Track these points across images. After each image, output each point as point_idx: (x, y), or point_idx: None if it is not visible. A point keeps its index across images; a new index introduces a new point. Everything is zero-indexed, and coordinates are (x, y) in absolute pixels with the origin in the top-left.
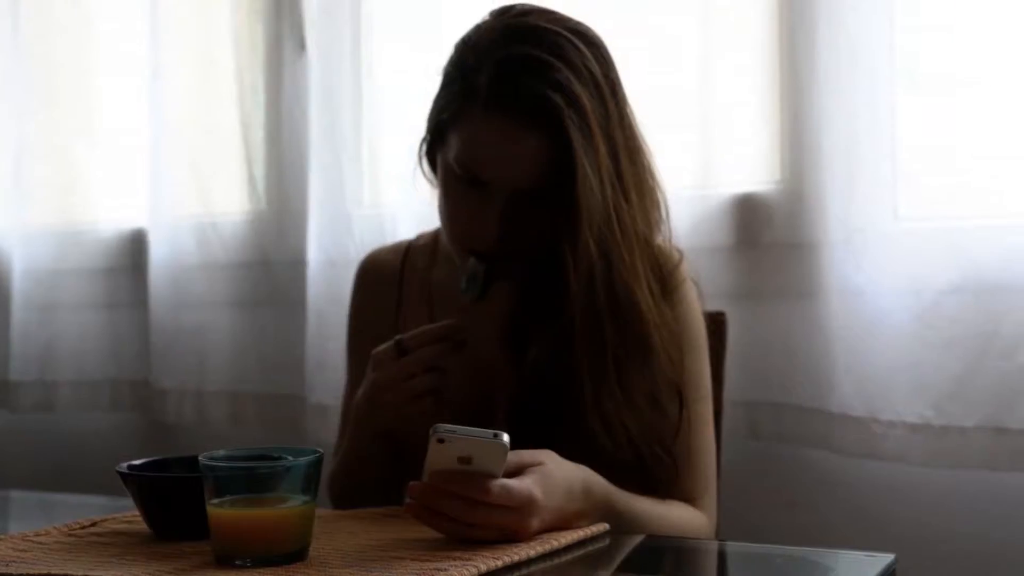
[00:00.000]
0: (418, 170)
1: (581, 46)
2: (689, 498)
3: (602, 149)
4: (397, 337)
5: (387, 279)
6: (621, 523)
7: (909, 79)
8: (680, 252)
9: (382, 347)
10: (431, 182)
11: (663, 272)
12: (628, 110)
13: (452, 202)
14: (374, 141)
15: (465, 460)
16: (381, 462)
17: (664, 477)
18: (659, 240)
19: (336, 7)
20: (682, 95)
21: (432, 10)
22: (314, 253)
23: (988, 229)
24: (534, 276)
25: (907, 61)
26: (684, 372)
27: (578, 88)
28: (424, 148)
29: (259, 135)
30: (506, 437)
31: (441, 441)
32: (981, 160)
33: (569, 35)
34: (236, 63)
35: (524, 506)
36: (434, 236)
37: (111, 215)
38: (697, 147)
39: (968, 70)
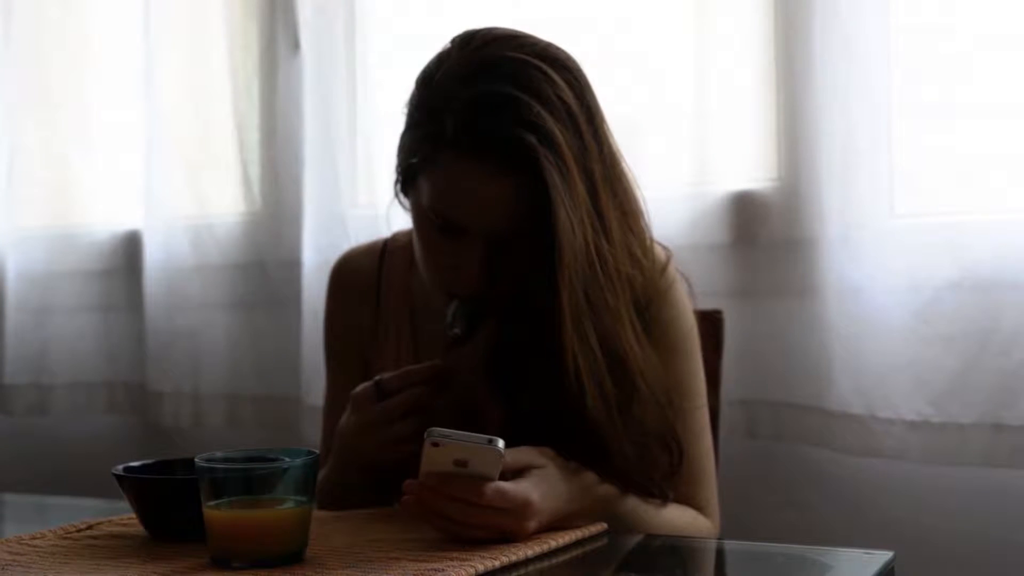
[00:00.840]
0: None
1: (552, 74)
2: (693, 507)
3: (580, 187)
4: (377, 377)
5: (364, 282)
6: (622, 523)
7: (905, 76)
8: (667, 250)
9: (361, 388)
10: (409, 213)
11: (647, 296)
12: (607, 135)
13: (430, 249)
14: (369, 141)
15: (461, 464)
16: (363, 490)
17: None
18: (647, 240)
19: (330, 6)
20: (678, 93)
21: (426, 9)
22: (309, 254)
23: (986, 225)
24: (517, 312)
25: (903, 58)
26: (675, 382)
27: (551, 124)
28: (398, 187)
29: (253, 136)
30: (501, 443)
31: (436, 445)
32: (978, 156)
33: (539, 63)
34: (230, 63)
35: (520, 509)
36: (411, 236)
37: (105, 217)
38: (693, 144)
39: (964, 67)
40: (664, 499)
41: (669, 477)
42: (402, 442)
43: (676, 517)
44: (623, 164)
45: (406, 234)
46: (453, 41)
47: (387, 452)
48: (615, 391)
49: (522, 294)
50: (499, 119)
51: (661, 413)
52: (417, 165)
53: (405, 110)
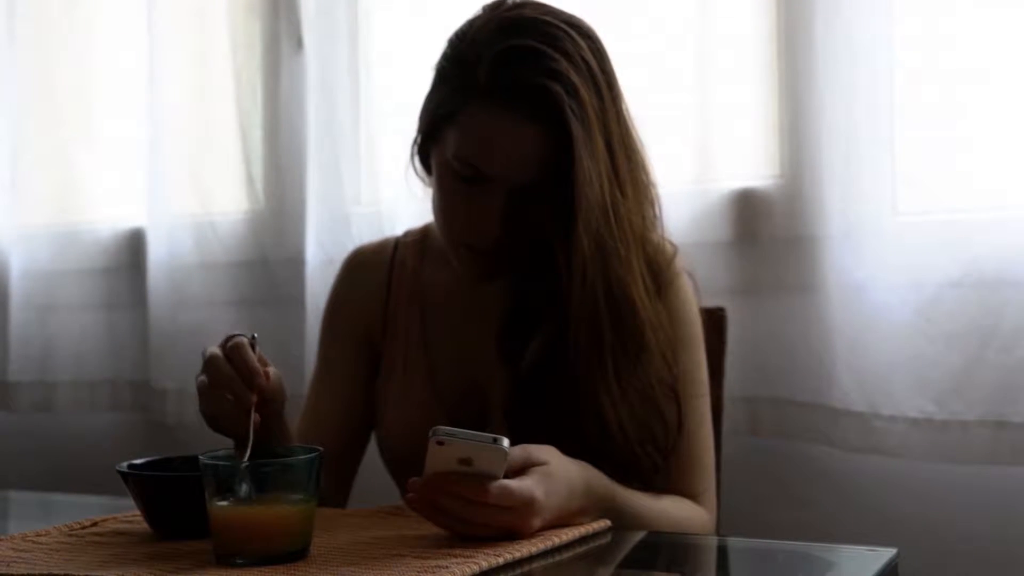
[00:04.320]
0: (410, 168)
1: (576, 37)
2: (690, 495)
3: (599, 141)
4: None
5: (375, 276)
6: (623, 520)
7: (907, 73)
8: (674, 246)
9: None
10: (423, 180)
11: (658, 268)
12: (624, 106)
13: (449, 199)
14: (372, 139)
15: (465, 462)
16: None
17: (660, 476)
18: (654, 235)
19: (333, 5)
20: (681, 91)
21: (429, 7)
22: (312, 251)
23: (988, 223)
24: (529, 275)
25: (905, 55)
26: (680, 371)
27: (576, 78)
28: (416, 147)
29: (257, 134)
30: (506, 442)
31: (440, 444)
32: (980, 154)
33: (565, 26)
34: (233, 62)
35: (524, 507)
36: (422, 233)
37: (109, 215)
38: (696, 142)
39: (967, 64)
40: (655, 470)
41: (664, 449)
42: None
43: (675, 510)
44: (637, 134)
45: (417, 231)
46: (484, 8)
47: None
48: (623, 347)
49: (536, 246)
50: (528, 69)
51: (667, 370)
52: (444, 116)
53: (433, 71)
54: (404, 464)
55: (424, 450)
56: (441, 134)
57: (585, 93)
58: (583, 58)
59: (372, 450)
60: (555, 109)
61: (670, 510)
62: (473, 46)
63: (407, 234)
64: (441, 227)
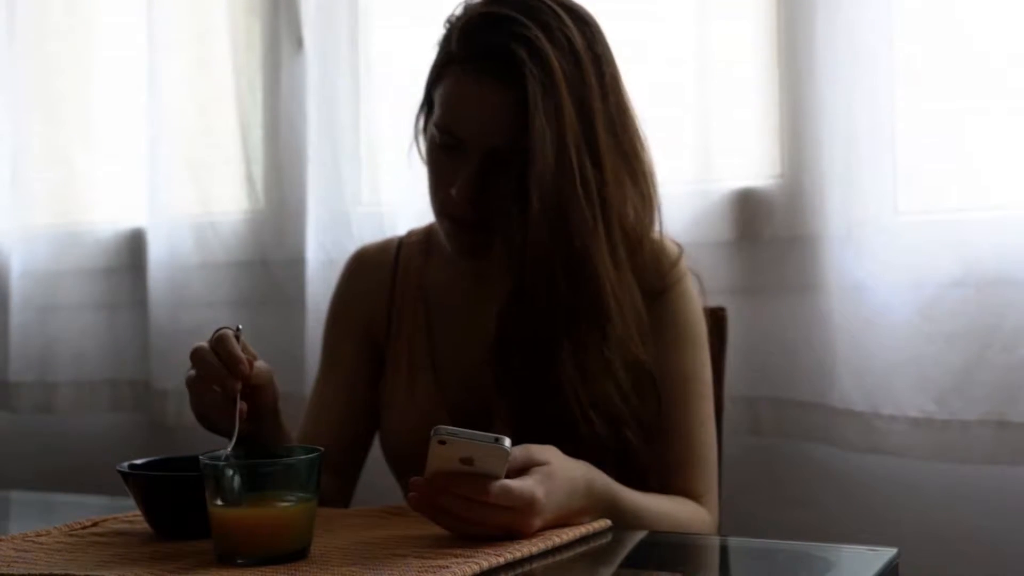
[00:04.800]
0: (411, 166)
1: (564, 16)
2: (692, 495)
3: (570, 112)
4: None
5: (380, 276)
6: (624, 520)
7: (908, 72)
8: (679, 246)
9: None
10: (424, 159)
11: (662, 268)
12: (619, 90)
13: (434, 170)
14: (372, 139)
15: (467, 461)
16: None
17: (661, 475)
18: (655, 234)
19: (333, 4)
20: (681, 90)
21: (430, 6)
22: (313, 252)
23: (989, 222)
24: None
25: (906, 54)
26: (682, 370)
27: (547, 47)
28: (420, 123)
29: (257, 134)
30: (508, 442)
31: (442, 443)
32: (981, 154)
33: (554, 5)
34: (233, 62)
35: (525, 507)
36: (425, 233)
37: (109, 215)
38: (697, 142)
39: (967, 63)
40: (626, 456)
41: (635, 433)
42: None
43: (677, 511)
44: (635, 123)
45: (421, 231)
46: None
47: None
48: (582, 312)
49: (509, 217)
50: (494, 34)
51: (635, 352)
52: (430, 88)
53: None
54: (407, 463)
55: (427, 449)
56: (431, 108)
57: (556, 61)
58: (565, 34)
59: (375, 450)
60: (517, 71)
61: (672, 511)
62: (454, 17)
63: (410, 234)
64: (431, 202)
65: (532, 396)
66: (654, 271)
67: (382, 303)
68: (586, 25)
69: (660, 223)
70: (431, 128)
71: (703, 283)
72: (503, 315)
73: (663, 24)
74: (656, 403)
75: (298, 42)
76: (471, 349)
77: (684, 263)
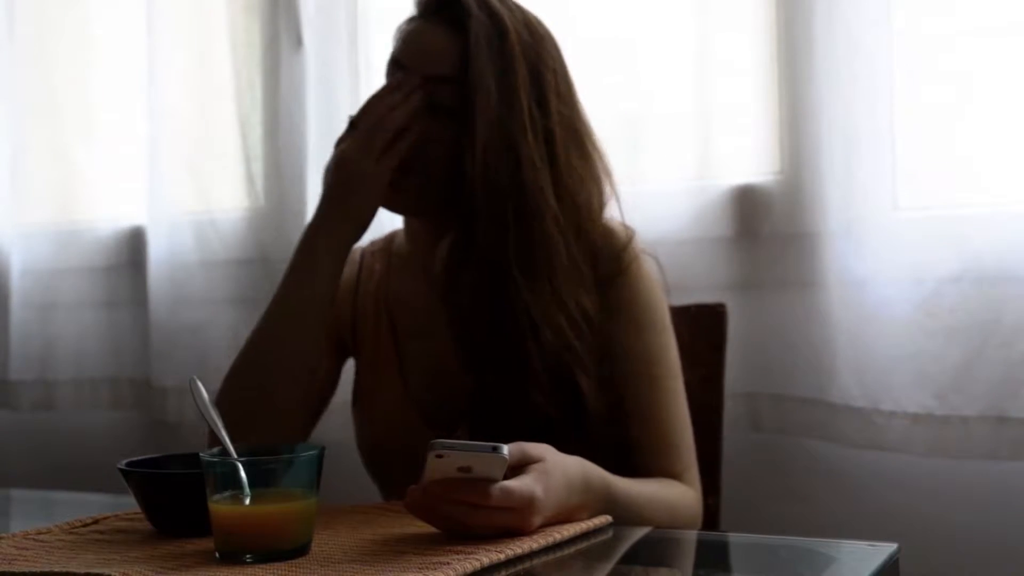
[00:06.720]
0: None
1: (517, 13)
2: (672, 475)
3: (522, 70)
4: (350, 115)
5: (345, 285)
6: (620, 509)
7: (907, 70)
8: (630, 229)
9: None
10: None
11: (611, 252)
12: (574, 94)
13: None
14: None
15: (464, 470)
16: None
17: (636, 459)
18: (606, 220)
19: (333, 4)
20: (681, 87)
21: None
22: None
23: (988, 218)
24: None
25: (905, 51)
26: (643, 355)
27: (505, 14)
28: None
29: (257, 132)
30: (506, 449)
31: (440, 457)
32: (980, 150)
33: (516, 9)
34: (233, 60)
35: (526, 506)
36: (387, 241)
37: (109, 213)
38: (696, 138)
39: (967, 59)
40: (572, 429)
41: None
42: (391, 148)
43: (665, 492)
44: (587, 123)
45: (381, 240)
46: None
47: (378, 164)
48: (529, 258)
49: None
50: None
51: (580, 302)
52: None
53: None
54: (383, 468)
55: (402, 456)
56: None
57: (510, 22)
58: (522, 15)
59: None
60: (467, 19)
61: (661, 492)
62: None
63: (372, 243)
64: None
65: (483, 334)
66: (607, 255)
67: (347, 309)
68: (542, 39)
69: (620, 211)
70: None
71: (662, 266)
72: (452, 252)
73: (663, 22)
74: (616, 381)
75: (297, 41)
76: (436, 352)
77: (636, 246)
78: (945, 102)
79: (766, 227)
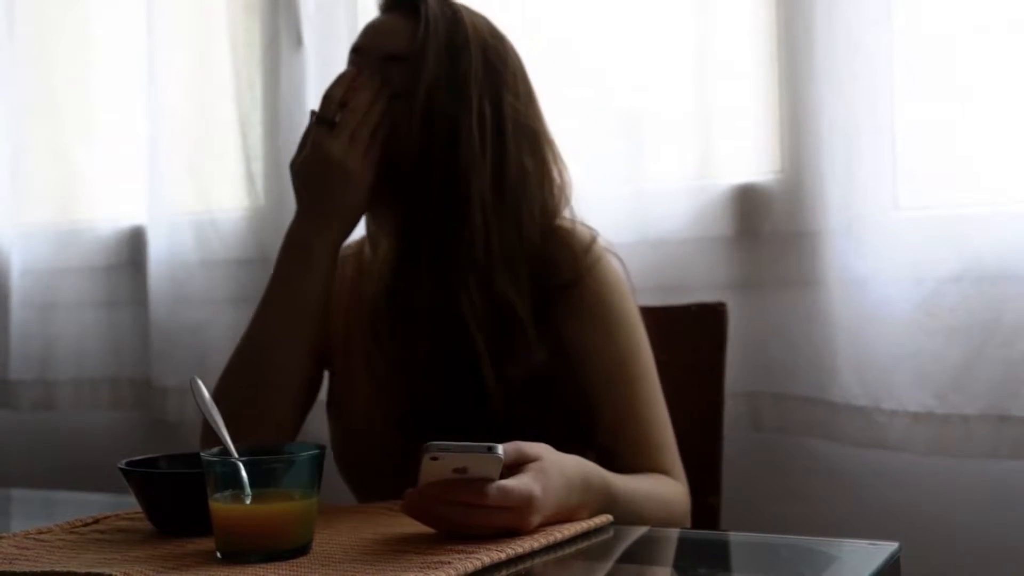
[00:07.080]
0: None
1: (478, 21)
2: (661, 472)
3: (476, 59)
4: (313, 110)
5: None
6: (619, 508)
7: (908, 68)
8: (592, 230)
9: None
10: None
11: (572, 254)
12: (535, 104)
13: None
14: None
15: (460, 471)
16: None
17: (618, 462)
18: (567, 222)
19: (332, 2)
20: (681, 86)
21: None
22: None
23: (989, 217)
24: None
25: (906, 50)
26: (611, 357)
27: (463, 10)
28: None
29: (257, 131)
30: (501, 449)
31: (434, 459)
32: (981, 149)
33: (480, 17)
34: (233, 60)
35: (523, 506)
36: (358, 246)
37: (110, 213)
38: (697, 138)
39: (967, 59)
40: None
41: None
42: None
43: (660, 488)
44: (544, 123)
45: (355, 244)
46: None
47: (360, 151)
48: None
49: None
50: None
51: (501, 293)
52: None
53: None
54: (354, 473)
55: (375, 462)
56: None
57: (466, 15)
58: (480, 19)
59: None
60: (423, 4)
61: (656, 489)
62: None
63: (344, 248)
64: None
65: (424, 332)
66: (568, 258)
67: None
68: (501, 43)
69: (572, 212)
70: None
71: (626, 266)
72: (396, 247)
73: (663, 20)
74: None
75: (297, 40)
76: (402, 357)
77: (599, 247)
78: (945, 102)
79: (767, 226)
